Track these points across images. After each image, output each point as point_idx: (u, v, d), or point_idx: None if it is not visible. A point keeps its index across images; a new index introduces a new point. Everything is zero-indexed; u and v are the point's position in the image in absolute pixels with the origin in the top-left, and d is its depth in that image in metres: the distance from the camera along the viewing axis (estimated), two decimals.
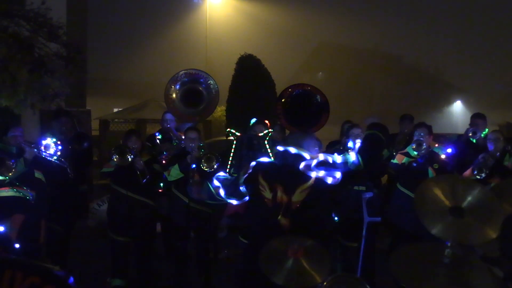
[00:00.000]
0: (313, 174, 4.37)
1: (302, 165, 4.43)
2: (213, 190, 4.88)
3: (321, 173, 4.38)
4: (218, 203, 5.27)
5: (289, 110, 6.98)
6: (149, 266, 6.99)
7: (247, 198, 4.65)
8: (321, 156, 4.48)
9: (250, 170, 4.62)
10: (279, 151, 4.67)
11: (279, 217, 4.34)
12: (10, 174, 5.50)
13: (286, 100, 7.04)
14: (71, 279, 3.35)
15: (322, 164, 4.45)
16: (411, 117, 8.80)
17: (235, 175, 5.02)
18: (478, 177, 6.58)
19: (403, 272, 2.74)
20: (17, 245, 5.48)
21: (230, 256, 8.24)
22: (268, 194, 4.42)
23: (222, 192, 4.74)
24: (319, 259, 3.71)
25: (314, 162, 4.43)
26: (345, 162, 4.51)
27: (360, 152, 4.63)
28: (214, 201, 5.10)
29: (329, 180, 4.35)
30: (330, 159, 4.48)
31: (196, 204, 6.64)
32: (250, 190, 4.61)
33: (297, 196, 4.37)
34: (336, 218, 6.51)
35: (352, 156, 4.54)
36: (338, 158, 4.52)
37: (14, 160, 5.55)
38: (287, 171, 4.49)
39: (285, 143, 4.70)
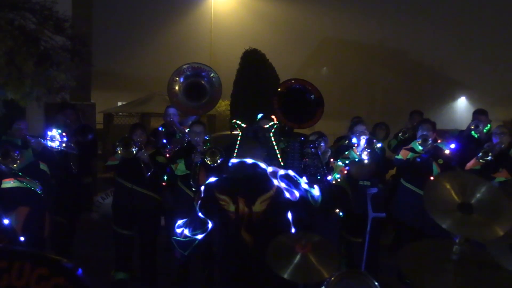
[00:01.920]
0: (276, 182, 4.39)
1: (270, 169, 4.48)
2: (176, 240, 4.89)
3: (283, 185, 4.41)
4: None
5: (285, 104, 7.00)
6: (152, 259, 7.01)
7: (209, 225, 4.60)
8: (282, 171, 4.53)
9: (202, 194, 4.58)
10: (234, 163, 4.63)
11: (242, 232, 4.33)
12: (15, 165, 5.52)
13: (282, 92, 7.05)
14: (80, 270, 3.35)
15: (286, 178, 4.50)
16: (421, 113, 8.83)
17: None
18: (482, 161, 6.58)
19: (410, 269, 2.74)
20: (22, 238, 5.50)
21: None
22: (231, 207, 4.38)
23: (187, 231, 4.73)
24: (326, 255, 3.72)
25: (282, 172, 4.50)
26: (307, 190, 4.58)
27: (323, 194, 4.68)
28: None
29: (287, 195, 4.38)
30: (293, 176, 4.56)
31: None
32: (209, 212, 4.57)
33: (258, 207, 4.35)
34: (341, 214, 6.52)
35: (316, 191, 4.62)
36: (303, 181, 4.59)
37: (19, 151, 5.56)
38: (246, 182, 4.47)
39: (238, 155, 4.68)
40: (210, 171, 6.63)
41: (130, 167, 6.68)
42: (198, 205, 4.60)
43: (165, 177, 7.28)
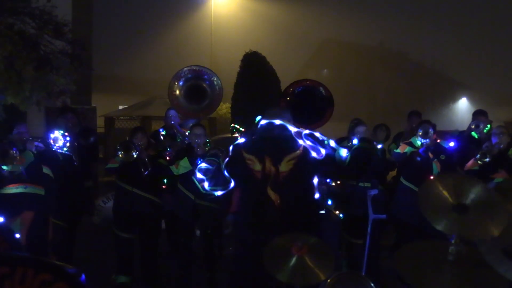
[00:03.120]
0: (301, 142, 4.47)
1: (294, 130, 4.55)
2: (197, 184, 4.91)
3: (308, 143, 4.47)
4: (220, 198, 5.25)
5: (293, 106, 7.00)
6: (154, 263, 7.01)
7: (231, 185, 4.68)
8: (306, 131, 4.63)
9: (231, 153, 4.68)
10: (262, 124, 4.71)
11: (268, 190, 4.39)
12: (15, 163, 5.52)
13: (290, 98, 7.05)
14: (83, 276, 3.35)
15: (311, 137, 4.57)
16: (419, 114, 8.82)
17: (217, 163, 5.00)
18: (481, 162, 6.58)
19: (407, 269, 2.75)
20: (17, 235, 5.50)
21: None
22: (257, 166, 4.47)
23: (206, 184, 4.81)
24: (323, 257, 3.72)
25: (306, 131, 4.58)
26: (334, 149, 4.59)
27: (352, 155, 4.67)
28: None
29: (314, 154, 4.43)
30: (319, 136, 4.60)
31: (202, 200, 6.65)
32: (234, 172, 4.65)
33: (284, 166, 4.43)
34: (341, 215, 6.52)
35: (343, 152, 4.61)
36: (331, 142, 4.63)
37: (16, 148, 5.56)
38: (273, 142, 4.55)
39: (267, 117, 4.73)
40: None
41: (130, 170, 6.69)
42: (224, 163, 4.67)
43: (165, 180, 7.28)
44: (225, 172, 4.69)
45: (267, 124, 4.67)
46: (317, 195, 4.60)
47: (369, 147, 5.72)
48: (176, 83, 7.70)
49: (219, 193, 4.76)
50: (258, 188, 4.48)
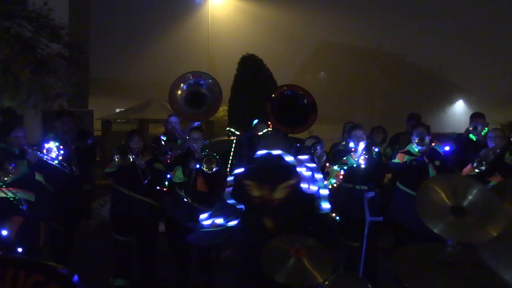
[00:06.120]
0: (300, 170, 4.67)
1: (299, 157, 4.83)
2: (209, 229, 5.09)
3: (307, 173, 4.68)
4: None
5: (278, 110, 7.02)
6: (151, 266, 7.00)
7: (242, 207, 4.83)
8: (312, 164, 4.88)
9: (232, 182, 4.85)
10: (261, 154, 4.93)
11: (264, 217, 4.59)
12: (6, 178, 5.48)
13: (276, 97, 7.06)
14: (76, 277, 3.34)
15: (312, 170, 4.80)
16: (418, 116, 8.82)
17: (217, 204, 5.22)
18: (477, 170, 6.59)
19: (405, 272, 2.75)
20: (19, 249, 5.48)
21: (232, 256, 8.24)
22: (256, 192, 4.64)
23: (219, 221, 4.96)
24: (321, 258, 3.73)
25: (312, 165, 4.82)
26: (323, 196, 4.85)
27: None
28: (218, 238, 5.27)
29: (304, 186, 4.61)
30: (318, 176, 4.86)
31: (199, 204, 6.65)
32: (237, 197, 4.81)
33: (279, 193, 4.60)
34: (337, 218, 6.52)
35: (326, 205, 4.85)
36: (324, 189, 4.87)
37: (14, 164, 5.53)
38: (270, 171, 4.76)
39: (263, 146, 4.96)
40: (208, 177, 6.66)
41: (128, 174, 6.69)
42: (229, 193, 4.82)
43: (166, 183, 7.27)
44: (230, 201, 4.85)
45: (266, 154, 4.88)
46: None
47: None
48: (178, 88, 7.70)
49: (234, 223, 4.88)
50: (255, 213, 4.68)
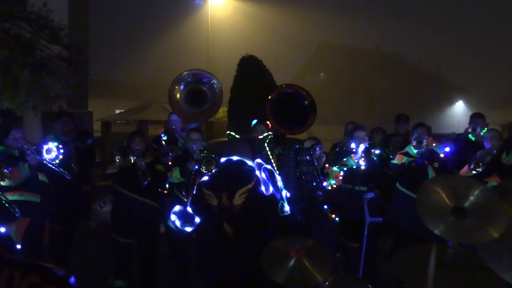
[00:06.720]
0: (257, 173, 4.74)
1: (257, 160, 4.88)
2: (171, 225, 5.24)
3: (263, 175, 4.76)
4: None
5: (277, 111, 7.01)
6: (151, 267, 6.99)
7: (197, 219, 4.95)
8: (268, 166, 4.96)
9: (195, 191, 4.98)
10: (222, 162, 5.00)
11: (224, 224, 4.65)
12: (6, 180, 5.48)
13: (274, 98, 7.06)
14: (72, 278, 3.33)
15: (269, 173, 4.86)
16: (406, 118, 8.77)
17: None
18: (474, 172, 6.58)
19: (405, 273, 2.74)
20: (18, 246, 5.48)
21: None
22: (214, 201, 4.71)
23: (178, 223, 5.18)
24: (320, 259, 3.73)
25: (268, 166, 4.89)
26: (281, 197, 4.91)
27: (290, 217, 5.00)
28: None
29: (263, 188, 4.68)
30: (278, 181, 4.95)
31: None
32: (199, 208, 4.91)
33: (237, 199, 4.65)
34: (337, 219, 6.52)
35: (287, 207, 4.91)
36: (283, 190, 4.97)
37: (12, 168, 5.52)
38: (229, 178, 4.81)
39: (225, 153, 5.01)
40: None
41: (129, 175, 6.67)
42: (189, 202, 5.03)
43: (167, 185, 7.27)
44: (189, 209, 5.02)
45: (226, 161, 4.94)
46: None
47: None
48: (177, 87, 7.67)
49: (188, 229, 4.99)
50: (215, 222, 4.73)
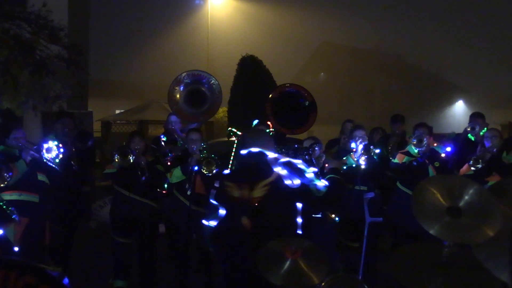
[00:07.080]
0: (276, 169, 4.59)
1: (271, 155, 4.68)
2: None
3: (284, 172, 4.57)
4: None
5: (278, 110, 7.01)
6: (151, 267, 6.99)
7: (221, 211, 4.79)
8: (284, 159, 4.73)
9: (216, 185, 4.87)
10: (242, 154, 4.89)
11: (242, 216, 4.53)
12: (1, 185, 5.48)
13: (275, 97, 7.05)
14: (66, 279, 3.35)
15: (288, 165, 4.67)
16: (402, 118, 8.77)
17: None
18: (473, 168, 6.58)
19: (402, 273, 2.75)
20: (16, 248, 5.49)
21: None
22: (235, 193, 4.62)
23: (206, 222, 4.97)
24: (317, 260, 3.73)
25: (284, 159, 4.69)
26: (311, 180, 4.70)
27: (328, 187, 4.76)
28: None
29: (287, 182, 4.52)
30: (299, 165, 4.70)
31: (197, 206, 6.65)
32: (221, 200, 4.80)
33: (258, 192, 4.55)
34: (336, 219, 6.52)
35: (320, 184, 4.72)
36: (309, 172, 4.69)
37: (12, 173, 5.52)
38: (250, 169, 4.74)
39: (245, 145, 4.89)
40: (206, 179, 6.65)
41: (128, 175, 6.67)
42: (213, 194, 4.84)
43: (166, 186, 7.28)
44: (213, 201, 4.87)
45: (246, 153, 4.85)
46: (299, 220, 4.67)
47: (340, 178, 5.80)
48: (176, 88, 7.68)
49: (212, 223, 4.90)
50: (234, 214, 4.65)
